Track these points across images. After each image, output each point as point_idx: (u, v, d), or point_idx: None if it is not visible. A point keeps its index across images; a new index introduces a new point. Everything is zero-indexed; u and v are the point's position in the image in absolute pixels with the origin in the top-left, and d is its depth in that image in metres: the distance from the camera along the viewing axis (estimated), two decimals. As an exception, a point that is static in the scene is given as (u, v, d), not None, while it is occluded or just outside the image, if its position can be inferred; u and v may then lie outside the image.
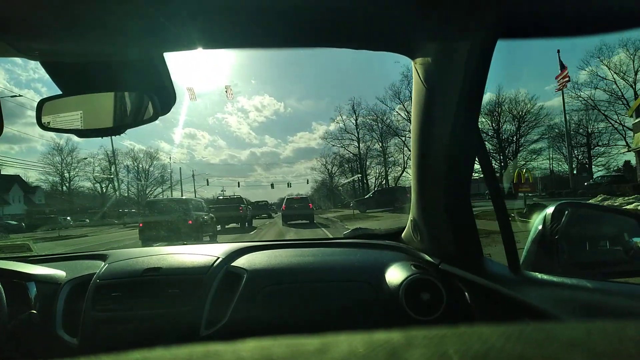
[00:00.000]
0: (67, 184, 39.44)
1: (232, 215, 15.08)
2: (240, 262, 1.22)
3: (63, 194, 38.85)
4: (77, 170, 39.70)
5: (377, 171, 41.76)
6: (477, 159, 0.90)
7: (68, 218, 32.34)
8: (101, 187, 40.60)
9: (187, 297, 1.09)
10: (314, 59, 69.41)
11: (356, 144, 40.90)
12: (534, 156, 34.51)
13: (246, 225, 15.99)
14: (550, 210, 0.93)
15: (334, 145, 41.66)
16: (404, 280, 1.01)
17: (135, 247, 1.47)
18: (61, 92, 0.81)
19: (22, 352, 1.04)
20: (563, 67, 23.52)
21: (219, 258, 1.22)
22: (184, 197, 13.24)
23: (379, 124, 38.64)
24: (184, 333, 1.05)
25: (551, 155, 34.58)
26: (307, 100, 66.74)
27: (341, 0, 0.48)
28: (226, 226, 15.31)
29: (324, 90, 65.02)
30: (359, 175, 40.82)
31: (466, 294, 0.97)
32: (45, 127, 0.81)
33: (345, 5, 0.46)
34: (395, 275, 1.08)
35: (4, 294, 0.96)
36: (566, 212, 0.92)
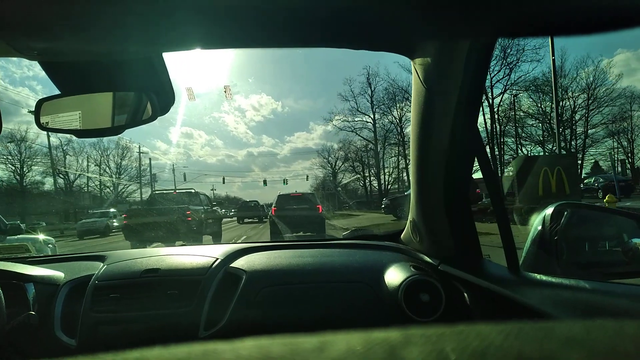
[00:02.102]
0: (17, 178, 31.48)
1: (173, 223, 8.12)
2: (239, 263, 1.22)
3: (14, 192, 30.61)
4: (31, 161, 31.75)
5: (393, 164, 35.80)
6: (476, 159, 0.91)
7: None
8: (66, 184, 33.27)
9: (186, 298, 1.09)
10: (312, 58, 69.08)
11: (371, 126, 34.43)
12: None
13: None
14: (549, 210, 0.93)
15: (341, 130, 35.43)
16: (403, 282, 1.01)
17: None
18: (60, 92, 0.81)
19: (21, 353, 1.03)
20: None
21: (217, 259, 1.22)
22: None
23: (397, 104, 32.45)
24: (183, 334, 1.05)
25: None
26: (305, 100, 66.56)
27: (340, 0, 0.48)
28: (176, 244, 6.45)
29: (322, 90, 64.83)
30: (374, 169, 35.59)
31: (465, 295, 0.97)
32: (43, 127, 0.81)
33: (344, 4, 0.46)
34: (394, 276, 1.07)
35: (2, 295, 0.96)
36: (565, 212, 0.92)
